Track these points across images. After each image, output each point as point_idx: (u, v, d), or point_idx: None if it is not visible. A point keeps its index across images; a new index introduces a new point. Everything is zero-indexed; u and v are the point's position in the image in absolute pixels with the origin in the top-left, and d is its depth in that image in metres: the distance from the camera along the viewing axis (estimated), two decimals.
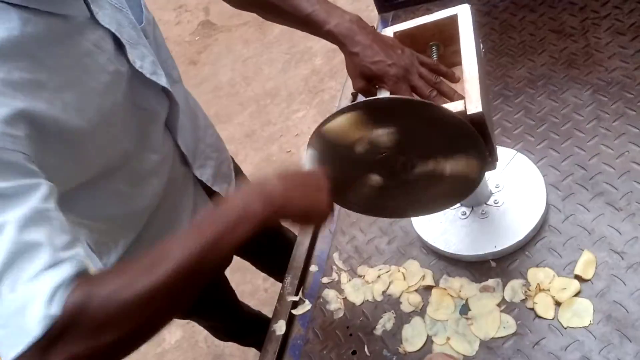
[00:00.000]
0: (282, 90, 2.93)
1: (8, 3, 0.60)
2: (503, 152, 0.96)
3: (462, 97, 0.69)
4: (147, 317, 0.53)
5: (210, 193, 1.02)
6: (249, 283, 2.13)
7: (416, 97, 0.71)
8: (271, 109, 2.87)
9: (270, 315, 0.99)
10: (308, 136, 2.43)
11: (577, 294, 0.77)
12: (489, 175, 0.92)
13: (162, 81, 0.81)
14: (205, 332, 2.09)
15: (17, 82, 0.58)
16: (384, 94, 0.71)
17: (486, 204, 0.91)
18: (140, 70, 0.77)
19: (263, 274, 1.97)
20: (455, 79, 0.75)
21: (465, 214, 0.92)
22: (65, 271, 0.51)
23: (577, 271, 0.78)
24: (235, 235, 0.57)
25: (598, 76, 1.01)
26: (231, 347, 1.98)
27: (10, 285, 0.49)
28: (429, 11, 0.80)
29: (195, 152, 0.96)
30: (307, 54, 2.99)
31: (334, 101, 2.59)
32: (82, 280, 0.51)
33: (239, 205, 0.59)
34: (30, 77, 0.60)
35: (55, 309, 0.48)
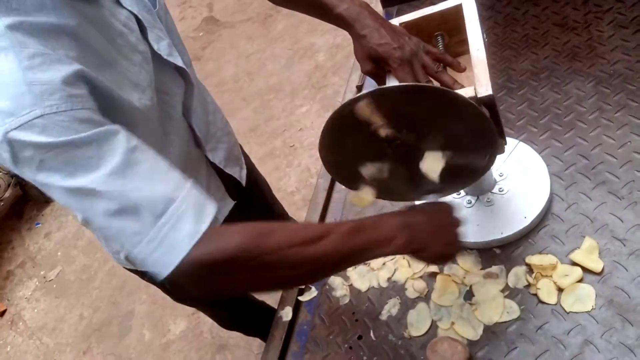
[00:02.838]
0: (285, 85, 2.95)
1: None
2: (507, 143, 0.97)
3: (462, 87, 0.71)
4: (286, 276, 0.63)
5: (222, 176, 1.04)
6: None
7: (426, 83, 0.72)
8: (275, 104, 2.88)
9: (275, 307, 1.01)
10: (311, 131, 2.47)
11: (579, 280, 0.78)
12: (493, 165, 0.93)
13: (179, 61, 0.83)
14: (210, 322, 2.12)
15: (64, 57, 0.60)
16: (392, 79, 0.73)
17: (491, 192, 0.93)
18: (158, 52, 0.79)
19: None
20: (461, 69, 0.77)
21: (471, 202, 0.93)
22: (197, 196, 0.59)
23: (575, 259, 0.80)
24: (374, 254, 0.67)
25: (600, 68, 1.02)
26: (236, 337, 2.00)
27: (149, 215, 0.56)
28: (433, 5, 0.82)
29: (207, 135, 0.97)
30: (310, 50, 3.00)
31: (337, 96, 2.60)
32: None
33: (389, 231, 0.67)
34: (73, 54, 0.62)
35: (204, 225, 0.57)
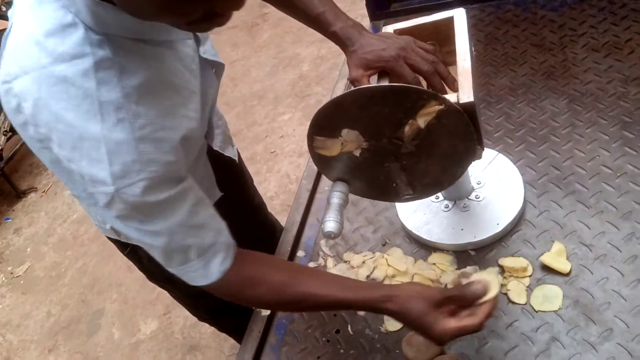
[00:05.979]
0: (269, 92, 2.98)
1: (140, 40, 0.64)
2: (485, 153, 1.02)
3: (454, 79, 0.75)
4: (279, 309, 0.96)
5: (217, 164, 1.06)
6: None
7: (404, 84, 0.75)
8: (257, 110, 2.91)
9: None
10: (293, 138, 2.50)
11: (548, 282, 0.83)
12: (471, 173, 0.98)
13: (220, 59, 0.86)
14: (182, 323, 2.11)
15: (169, 110, 0.67)
16: (383, 81, 0.77)
17: (468, 198, 0.97)
18: (203, 55, 0.81)
19: None
20: (452, 63, 0.80)
21: (448, 207, 0.98)
22: (226, 238, 0.76)
23: (544, 261, 0.84)
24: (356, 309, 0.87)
25: (574, 87, 1.09)
26: (207, 338, 2.00)
27: (196, 252, 0.73)
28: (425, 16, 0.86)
29: (210, 123, 1.00)
30: (295, 60, 3.05)
31: (319, 105, 2.64)
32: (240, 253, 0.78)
33: (395, 313, 0.73)
34: (172, 101, 0.68)
35: (225, 266, 0.75)
